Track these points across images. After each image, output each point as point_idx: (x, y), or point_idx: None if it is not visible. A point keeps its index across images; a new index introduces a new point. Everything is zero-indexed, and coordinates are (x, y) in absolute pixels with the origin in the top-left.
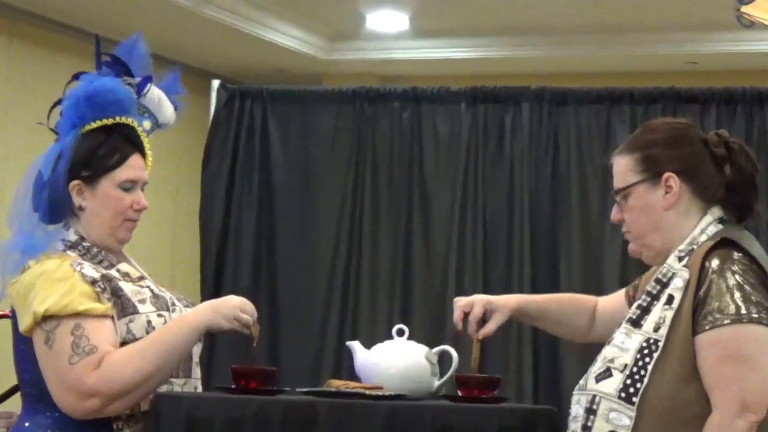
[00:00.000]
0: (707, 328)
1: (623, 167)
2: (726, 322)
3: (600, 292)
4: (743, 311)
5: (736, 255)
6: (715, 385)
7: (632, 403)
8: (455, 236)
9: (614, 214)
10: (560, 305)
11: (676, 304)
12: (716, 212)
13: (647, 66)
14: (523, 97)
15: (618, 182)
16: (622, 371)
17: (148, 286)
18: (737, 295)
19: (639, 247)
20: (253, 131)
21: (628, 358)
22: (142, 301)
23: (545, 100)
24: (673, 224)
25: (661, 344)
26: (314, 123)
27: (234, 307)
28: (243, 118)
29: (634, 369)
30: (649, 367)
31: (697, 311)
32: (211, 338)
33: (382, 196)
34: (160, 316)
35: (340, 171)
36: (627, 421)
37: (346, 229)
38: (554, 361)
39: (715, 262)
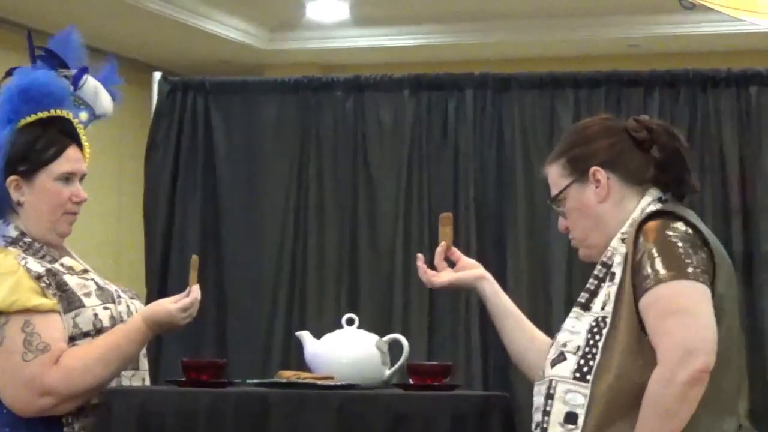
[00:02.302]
0: (645, 291)
1: (554, 175)
2: (660, 281)
3: (547, 281)
4: (675, 270)
5: (671, 222)
6: (657, 342)
7: (586, 381)
8: (401, 225)
9: (560, 224)
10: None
11: (617, 279)
12: (654, 193)
13: (590, 50)
14: (466, 84)
15: (553, 191)
16: (575, 353)
17: (92, 279)
18: (668, 255)
19: (587, 250)
20: (196, 123)
21: (580, 340)
22: (88, 295)
23: (489, 87)
24: (612, 216)
25: (608, 320)
26: (257, 114)
27: (182, 318)
28: (185, 110)
29: (587, 349)
30: (600, 344)
31: (634, 278)
32: None
33: (327, 185)
34: (106, 308)
35: (284, 161)
36: (582, 400)
37: (291, 221)
38: (504, 347)
39: (648, 230)
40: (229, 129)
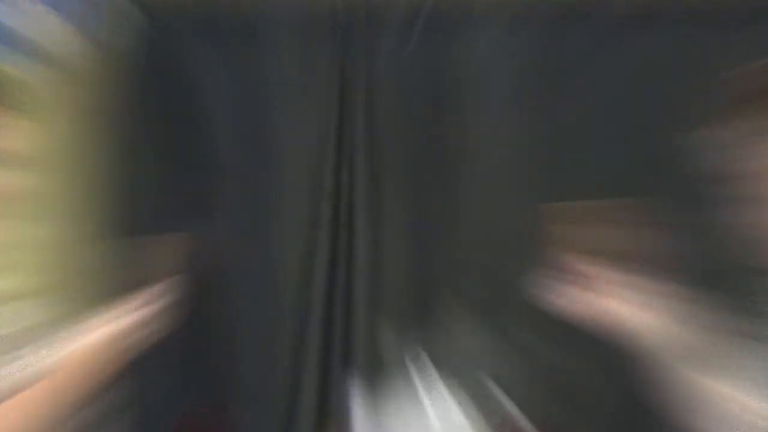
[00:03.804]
0: None
1: (727, 143)
2: None
3: None
4: None
5: None
6: None
7: None
8: (498, 221)
9: (724, 213)
10: None
11: None
12: None
13: None
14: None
15: (722, 164)
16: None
17: (26, 311)
18: None
19: None
20: (183, 74)
21: (750, 384)
22: (18, 337)
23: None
24: None
25: None
26: (271, 60)
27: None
28: (170, 59)
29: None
30: None
31: None
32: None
33: (385, 165)
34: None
35: (314, 130)
36: None
37: (326, 218)
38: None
39: None
40: (231, 84)
